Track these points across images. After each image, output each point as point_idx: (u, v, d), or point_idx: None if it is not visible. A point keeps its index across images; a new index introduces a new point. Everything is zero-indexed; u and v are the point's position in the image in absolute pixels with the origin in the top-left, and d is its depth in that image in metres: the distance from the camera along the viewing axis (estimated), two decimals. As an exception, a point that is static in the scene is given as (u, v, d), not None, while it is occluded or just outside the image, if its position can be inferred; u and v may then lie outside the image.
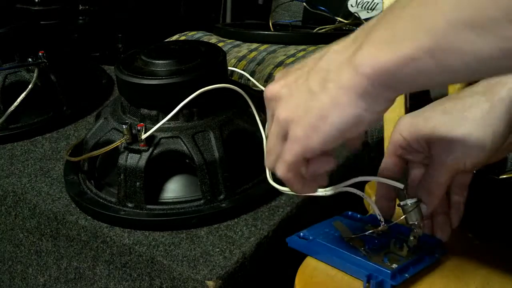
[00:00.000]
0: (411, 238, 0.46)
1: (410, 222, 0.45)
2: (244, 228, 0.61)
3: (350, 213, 0.54)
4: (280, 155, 0.40)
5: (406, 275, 0.45)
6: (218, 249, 0.57)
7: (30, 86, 0.81)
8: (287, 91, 0.39)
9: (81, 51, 1.12)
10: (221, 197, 0.63)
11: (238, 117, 0.66)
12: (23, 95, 0.80)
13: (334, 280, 0.47)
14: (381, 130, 0.65)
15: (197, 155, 0.61)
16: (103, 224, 0.63)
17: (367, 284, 0.44)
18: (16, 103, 0.80)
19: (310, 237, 0.50)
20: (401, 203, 0.44)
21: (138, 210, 0.62)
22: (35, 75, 0.81)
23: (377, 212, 0.47)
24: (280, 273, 0.59)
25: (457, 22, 0.29)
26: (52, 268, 0.70)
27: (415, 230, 0.45)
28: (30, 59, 0.82)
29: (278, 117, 0.39)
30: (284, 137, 0.39)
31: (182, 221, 0.61)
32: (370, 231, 0.48)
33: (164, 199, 0.64)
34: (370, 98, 0.34)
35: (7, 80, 0.82)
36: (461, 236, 0.52)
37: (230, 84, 0.69)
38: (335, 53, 0.37)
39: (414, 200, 0.44)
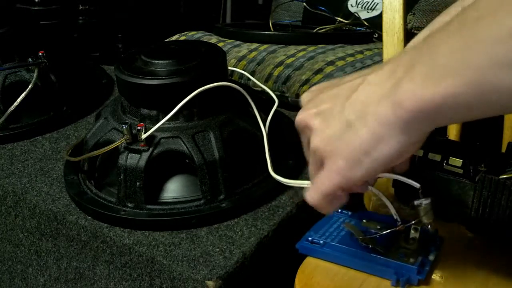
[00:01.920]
0: (413, 231, 0.47)
1: (425, 221, 0.45)
2: (244, 228, 0.61)
3: (340, 210, 0.54)
4: (314, 182, 0.40)
5: (427, 268, 0.46)
6: (218, 249, 0.57)
7: (30, 86, 0.81)
8: (322, 120, 0.39)
9: (81, 51, 1.12)
10: (221, 197, 0.63)
11: (238, 117, 0.66)
12: (23, 95, 0.80)
13: (334, 280, 0.48)
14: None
15: (197, 155, 0.61)
16: (103, 224, 0.63)
17: (396, 282, 0.45)
18: (16, 103, 0.80)
19: (321, 241, 0.49)
20: (415, 202, 0.45)
21: (138, 210, 0.62)
22: (35, 75, 0.82)
23: (393, 212, 0.47)
24: (280, 273, 0.59)
25: (500, 60, 0.29)
26: (52, 268, 0.70)
27: (428, 228, 0.47)
28: (30, 59, 0.82)
29: (314, 147, 0.40)
30: (320, 166, 0.40)
31: (182, 221, 0.61)
32: (388, 230, 0.48)
33: (164, 199, 0.64)
34: (410, 132, 0.35)
35: (7, 80, 0.82)
36: (461, 236, 0.52)
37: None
38: (372, 85, 0.37)
39: (428, 200, 0.45)
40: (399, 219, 0.48)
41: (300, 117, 0.42)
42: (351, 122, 0.37)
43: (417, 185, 0.45)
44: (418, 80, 0.33)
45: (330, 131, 0.38)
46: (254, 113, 0.67)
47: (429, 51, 0.33)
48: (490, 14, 0.30)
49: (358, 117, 0.37)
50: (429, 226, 0.46)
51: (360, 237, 0.48)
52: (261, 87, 0.82)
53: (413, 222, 0.47)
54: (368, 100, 0.36)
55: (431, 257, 0.47)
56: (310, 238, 0.50)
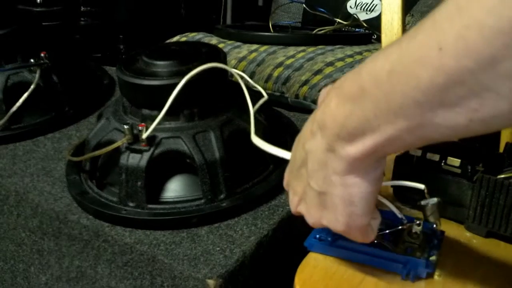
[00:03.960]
0: (416, 226, 0.48)
1: (431, 221, 0.46)
2: (244, 227, 0.61)
3: None
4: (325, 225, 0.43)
5: (434, 261, 0.47)
6: (218, 248, 0.58)
7: (32, 87, 0.81)
8: (304, 207, 0.43)
9: (83, 52, 1.13)
10: (222, 196, 0.63)
11: (238, 117, 0.67)
12: (25, 95, 0.81)
13: (333, 279, 0.48)
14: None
15: (198, 155, 0.62)
16: (105, 223, 0.63)
17: (406, 276, 0.46)
18: (18, 104, 0.81)
19: (329, 238, 0.50)
20: (422, 202, 0.46)
21: (139, 210, 0.63)
22: (37, 75, 0.82)
23: (396, 212, 0.49)
24: (280, 272, 0.60)
25: (426, 102, 0.30)
26: (54, 267, 0.70)
27: (434, 227, 0.48)
28: (32, 60, 0.83)
29: (310, 222, 0.44)
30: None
31: (183, 220, 0.61)
32: (396, 228, 0.49)
33: (165, 198, 0.64)
34: (370, 166, 0.37)
35: (9, 80, 0.82)
36: (459, 236, 0.52)
37: (229, 85, 0.70)
38: (311, 153, 0.39)
39: (435, 200, 0.45)
40: (404, 218, 0.49)
41: (292, 209, 0.46)
42: (322, 191, 0.40)
43: (422, 186, 0.46)
44: (353, 133, 0.35)
45: (313, 208, 0.42)
46: (248, 103, 0.67)
47: (354, 105, 0.35)
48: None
49: (324, 184, 0.39)
50: (434, 226, 0.48)
51: None
52: (258, 89, 0.82)
53: (417, 221, 0.49)
54: (319, 166, 0.39)
55: (436, 251, 0.48)
56: (317, 236, 0.51)
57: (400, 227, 0.49)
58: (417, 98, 0.30)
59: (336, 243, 0.50)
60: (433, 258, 0.48)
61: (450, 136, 0.32)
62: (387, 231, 0.49)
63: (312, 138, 0.39)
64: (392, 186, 0.57)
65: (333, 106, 0.36)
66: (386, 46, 0.33)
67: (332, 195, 0.39)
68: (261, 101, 0.70)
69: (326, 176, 0.39)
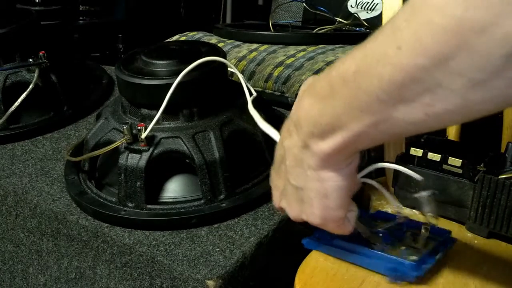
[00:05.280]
0: (423, 230, 0.48)
1: (427, 213, 0.46)
2: (244, 227, 0.61)
3: None
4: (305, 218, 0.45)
5: (426, 265, 0.47)
6: (218, 249, 0.58)
7: (31, 86, 0.81)
8: (285, 202, 0.46)
9: (82, 51, 1.13)
10: (221, 197, 0.63)
11: (238, 117, 0.66)
12: (24, 95, 0.80)
13: (334, 280, 0.48)
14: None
15: (198, 155, 0.61)
16: (104, 223, 0.63)
17: (394, 278, 0.46)
18: (17, 103, 0.81)
19: (328, 238, 0.50)
20: (416, 195, 0.45)
21: (138, 210, 0.62)
22: (35, 75, 0.82)
23: (394, 203, 0.49)
24: (280, 273, 0.59)
25: (388, 99, 0.33)
26: (52, 267, 0.70)
27: (429, 220, 0.48)
28: (31, 60, 0.82)
29: (291, 216, 0.46)
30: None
31: (182, 220, 0.61)
32: (389, 225, 0.49)
33: (164, 199, 0.64)
34: (342, 161, 0.40)
35: (8, 80, 0.82)
36: (461, 236, 0.52)
37: (230, 84, 0.69)
38: (289, 150, 0.42)
39: (429, 192, 0.45)
40: (400, 211, 0.49)
41: (274, 205, 0.49)
42: (300, 185, 0.42)
43: (419, 177, 0.45)
44: (325, 130, 0.38)
45: (296, 208, 0.44)
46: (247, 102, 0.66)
47: (324, 105, 0.37)
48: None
49: (301, 178, 0.42)
50: (430, 219, 0.47)
51: (365, 234, 0.49)
52: (257, 90, 0.81)
53: (425, 226, 0.48)
54: (296, 163, 0.41)
55: (438, 256, 0.48)
56: (316, 235, 0.51)
57: (397, 222, 0.49)
58: (380, 95, 0.33)
59: (331, 242, 0.50)
60: (426, 264, 0.46)
61: (412, 131, 0.34)
62: (383, 229, 0.49)
63: (289, 136, 0.41)
64: (393, 186, 0.57)
65: (306, 105, 0.39)
66: (354, 48, 0.35)
67: (308, 189, 0.41)
68: (250, 98, 0.69)
69: (302, 171, 0.41)
